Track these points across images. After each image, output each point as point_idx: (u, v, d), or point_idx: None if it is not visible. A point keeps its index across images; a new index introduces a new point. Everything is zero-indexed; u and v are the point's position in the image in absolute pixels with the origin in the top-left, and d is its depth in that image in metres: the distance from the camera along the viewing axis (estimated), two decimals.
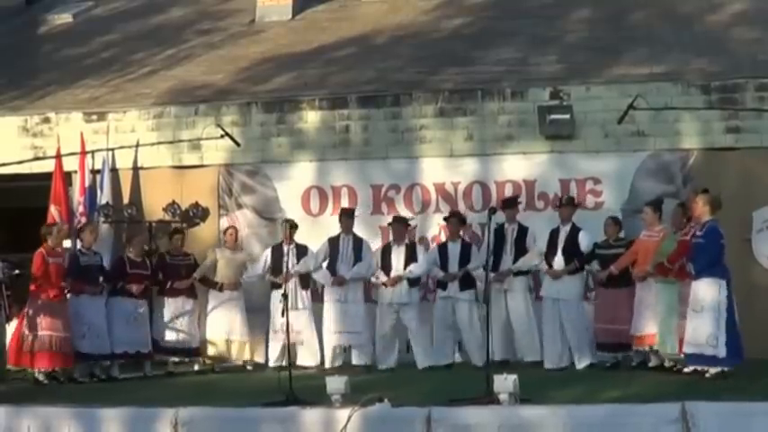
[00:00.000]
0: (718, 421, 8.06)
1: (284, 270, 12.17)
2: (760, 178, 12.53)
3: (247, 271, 13.01)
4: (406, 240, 12.71)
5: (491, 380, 8.87)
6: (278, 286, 12.51)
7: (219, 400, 9.63)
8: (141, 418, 9.01)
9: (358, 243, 12.72)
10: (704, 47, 14.25)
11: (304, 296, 12.78)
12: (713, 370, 10.41)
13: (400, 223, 12.72)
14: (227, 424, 8.88)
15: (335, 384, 9.01)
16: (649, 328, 11.39)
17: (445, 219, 12.86)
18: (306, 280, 12.81)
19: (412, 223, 13.06)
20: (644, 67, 13.73)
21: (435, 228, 13.31)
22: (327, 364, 12.48)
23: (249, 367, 12.89)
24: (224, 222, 13.76)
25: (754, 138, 12.81)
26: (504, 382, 8.73)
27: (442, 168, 13.53)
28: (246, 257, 13.28)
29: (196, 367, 12.86)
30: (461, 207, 13.23)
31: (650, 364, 11.55)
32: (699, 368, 10.54)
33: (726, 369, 10.35)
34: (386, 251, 12.66)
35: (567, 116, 12.98)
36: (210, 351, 12.88)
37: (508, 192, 13.21)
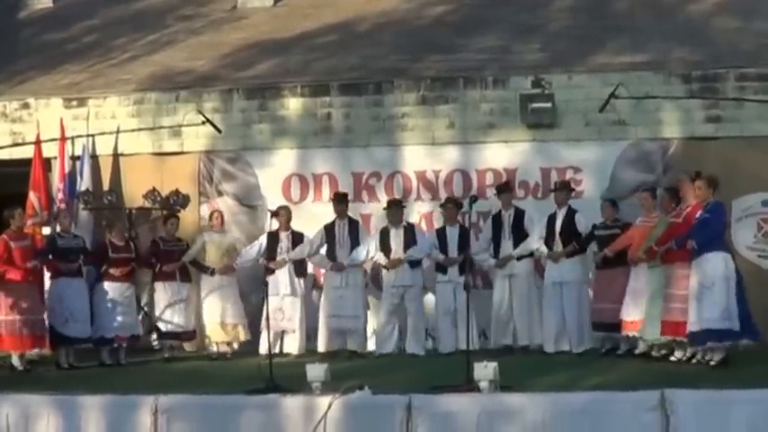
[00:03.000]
0: (697, 409, 8.12)
1: (278, 256, 12.27)
2: (740, 167, 12.59)
3: (241, 256, 12.94)
4: (404, 223, 12.69)
5: (471, 368, 8.88)
6: (272, 272, 12.56)
7: (200, 388, 9.62)
8: (121, 406, 9.01)
9: (354, 227, 12.70)
10: (686, 36, 14.29)
11: (299, 283, 12.75)
12: (717, 356, 10.29)
13: (397, 206, 12.68)
14: (207, 411, 8.88)
15: (315, 372, 9.01)
16: (636, 313, 11.43)
17: (441, 205, 12.83)
18: (301, 267, 12.78)
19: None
20: (626, 56, 13.75)
21: (416, 215, 13.30)
22: (321, 349, 12.41)
23: (228, 356, 12.83)
24: (204, 209, 13.72)
25: (735, 127, 12.88)
26: (484, 370, 8.74)
27: (423, 156, 13.54)
28: (235, 240, 13.26)
29: (188, 347, 12.90)
30: (442, 195, 13.25)
31: (636, 351, 11.53)
32: (705, 353, 10.47)
33: (744, 343, 10.28)
34: (384, 234, 12.61)
35: (549, 105, 12.99)
36: (208, 336, 12.86)
37: (489, 180, 13.26)
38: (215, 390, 9.50)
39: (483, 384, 8.71)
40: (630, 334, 11.54)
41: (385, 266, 12.57)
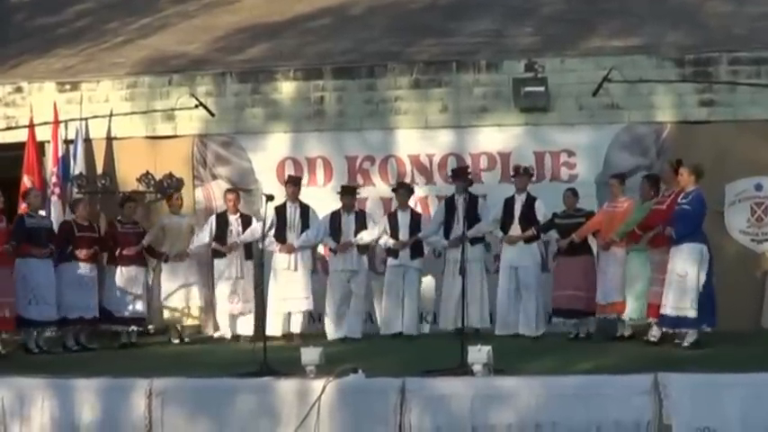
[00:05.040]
0: (690, 392, 8.16)
1: (228, 239, 12.40)
2: (733, 151, 12.62)
3: (193, 241, 12.84)
4: (356, 209, 12.75)
5: (465, 351, 8.91)
6: (221, 255, 12.64)
7: (193, 371, 9.63)
8: (115, 389, 9.01)
9: (305, 210, 12.71)
10: (679, 20, 14.30)
11: (248, 266, 12.76)
12: (690, 339, 10.50)
13: (351, 192, 12.76)
14: (201, 394, 8.90)
15: (310, 355, 9.03)
16: (615, 296, 11.53)
17: (393, 189, 12.94)
18: (250, 250, 12.79)
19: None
20: (619, 39, 13.76)
21: (411, 200, 13.27)
22: (270, 332, 12.13)
23: (211, 333, 12.90)
24: (198, 193, 13.73)
25: (728, 111, 12.89)
26: (479, 353, 8.75)
27: (416, 140, 13.54)
28: (193, 222, 13.20)
29: (148, 336, 12.82)
30: (436, 179, 13.30)
31: (617, 334, 11.67)
32: (675, 334, 10.65)
33: (702, 330, 10.50)
34: (335, 219, 12.66)
35: (542, 88, 12.98)
36: (167, 319, 12.85)
37: (483, 164, 13.28)
38: (207, 373, 9.51)
39: (476, 368, 8.73)
40: (606, 316, 11.69)
41: (333, 250, 12.61)
